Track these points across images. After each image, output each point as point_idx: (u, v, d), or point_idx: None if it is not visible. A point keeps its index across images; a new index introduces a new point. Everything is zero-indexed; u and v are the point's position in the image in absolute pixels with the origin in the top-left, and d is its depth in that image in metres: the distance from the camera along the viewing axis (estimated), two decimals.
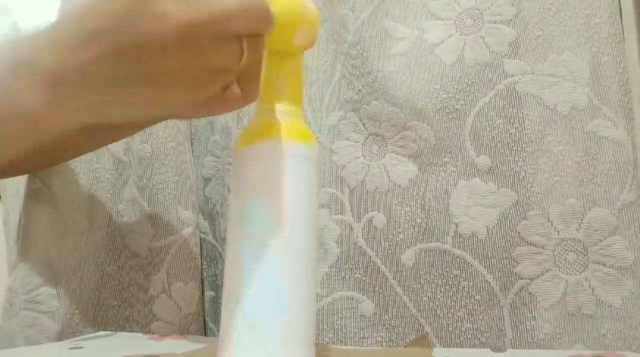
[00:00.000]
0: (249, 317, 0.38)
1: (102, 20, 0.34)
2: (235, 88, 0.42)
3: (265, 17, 0.37)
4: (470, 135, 0.62)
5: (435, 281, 0.60)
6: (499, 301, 0.58)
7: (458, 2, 0.66)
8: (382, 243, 0.62)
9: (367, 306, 0.61)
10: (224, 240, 0.69)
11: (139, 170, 0.69)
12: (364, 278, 0.62)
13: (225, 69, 0.37)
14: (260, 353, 0.37)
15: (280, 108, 0.42)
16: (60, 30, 0.36)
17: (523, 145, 0.60)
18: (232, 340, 0.38)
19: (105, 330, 0.66)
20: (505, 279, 0.58)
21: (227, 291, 0.39)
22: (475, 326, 0.58)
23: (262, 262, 0.38)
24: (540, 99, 0.61)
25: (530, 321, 0.57)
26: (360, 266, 0.62)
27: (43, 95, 0.36)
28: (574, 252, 0.57)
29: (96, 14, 0.34)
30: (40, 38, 0.37)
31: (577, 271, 0.57)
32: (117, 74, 0.35)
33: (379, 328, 0.61)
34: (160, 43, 0.33)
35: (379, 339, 0.61)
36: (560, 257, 0.58)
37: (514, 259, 0.59)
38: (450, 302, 0.59)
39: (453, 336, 0.59)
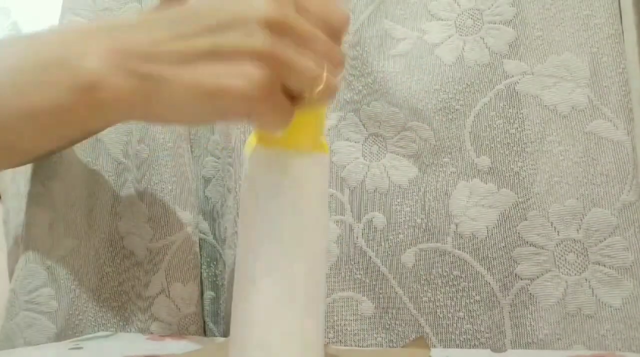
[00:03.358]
0: (261, 318, 0.38)
1: (187, 12, 0.35)
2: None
3: (342, 56, 0.38)
4: (470, 136, 0.62)
5: (435, 281, 0.60)
6: (499, 302, 0.58)
7: (458, 3, 0.66)
8: (382, 243, 0.62)
9: (367, 307, 0.61)
10: (224, 241, 0.69)
11: (138, 171, 0.69)
12: (364, 279, 0.62)
13: (298, 97, 0.36)
14: (271, 353, 0.37)
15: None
16: (143, 20, 0.36)
17: (523, 146, 0.60)
18: (243, 340, 0.38)
19: (104, 331, 0.66)
20: (505, 279, 0.58)
21: (238, 292, 0.39)
22: (475, 327, 0.58)
23: (277, 264, 0.38)
24: (540, 100, 0.61)
25: (530, 322, 0.57)
26: (360, 266, 0.62)
27: (110, 63, 0.34)
28: (574, 252, 0.57)
29: (182, 10, 0.35)
30: (118, 20, 0.38)
31: (577, 271, 0.57)
32: (193, 49, 0.34)
33: (379, 328, 0.61)
34: (245, 22, 0.33)
35: (379, 339, 0.60)
36: (560, 258, 0.58)
37: (514, 260, 0.59)
38: (450, 302, 0.59)
39: (453, 337, 0.59)
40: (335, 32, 0.37)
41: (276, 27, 0.33)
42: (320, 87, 0.35)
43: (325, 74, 0.35)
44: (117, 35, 0.35)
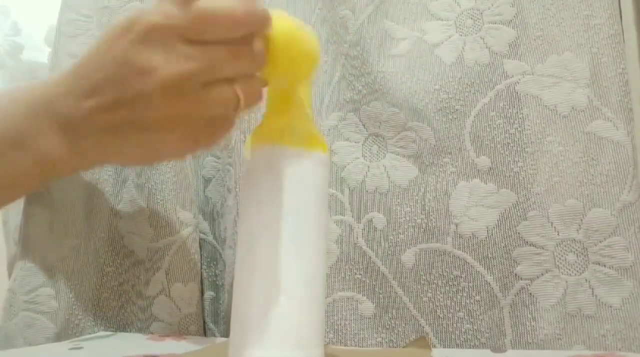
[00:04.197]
0: (261, 318, 0.38)
1: (98, 74, 0.36)
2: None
3: (258, 58, 0.37)
4: (470, 136, 0.62)
5: (435, 281, 0.60)
6: (499, 302, 0.58)
7: (458, 3, 0.66)
8: (382, 243, 0.62)
9: (367, 307, 0.61)
10: (224, 240, 0.69)
11: (138, 170, 0.69)
12: (364, 279, 0.62)
13: (221, 118, 0.38)
14: (272, 352, 0.37)
15: (295, 110, 0.42)
16: (69, 80, 0.38)
17: (523, 146, 0.60)
18: (244, 340, 0.38)
19: (104, 330, 0.66)
20: (505, 279, 0.58)
21: (238, 292, 0.39)
22: (475, 327, 0.58)
23: (276, 264, 0.38)
24: (540, 100, 0.61)
25: (531, 322, 0.57)
26: (360, 266, 0.62)
27: (59, 139, 0.38)
28: (574, 252, 0.57)
29: (94, 68, 0.37)
30: (52, 86, 0.39)
31: (577, 271, 0.57)
32: (116, 122, 0.36)
33: (379, 328, 0.61)
34: (148, 96, 0.35)
35: (379, 339, 0.60)
36: (560, 258, 0.58)
37: (514, 260, 0.59)
38: (451, 302, 0.59)
39: (453, 337, 0.59)
40: (244, 30, 0.36)
41: (176, 87, 0.34)
42: (240, 104, 0.36)
43: (239, 93, 0.36)
44: (55, 109, 0.38)
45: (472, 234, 0.60)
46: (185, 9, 0.34)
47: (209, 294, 0.69)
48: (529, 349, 0.57)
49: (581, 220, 0.58)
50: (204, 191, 0.73)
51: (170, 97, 0.35)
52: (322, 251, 0.41)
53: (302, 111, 0.42)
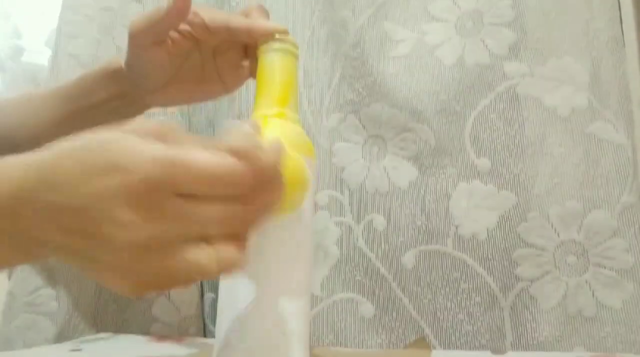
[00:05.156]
0: (245, 321, 0.38)
1: (68, 201, 0.30)
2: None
3: (253, 220, 0.32)
4: (470, 138, 0.62)
5: (436, 283, 0.60)
6: (499, 303, 0.58)
7: (458, 5, 0.66)
8: (382, 245, 0.62)
9: (367, 308, 0.61)
10: None
11: None
12: (364, 280, 0.62)
13: (181, 281, 0.32)
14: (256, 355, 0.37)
15: (278, 111, 0.42)
16: (36, 190, 0.31)
17: (523, 148, 0.60)
18: (228, 343, 0.38)
19: (104, 332, 0.66)
20: (505, 281, 0.58)
21: (224, 295, 0.39)
22: (475, 328, 0.58)
23: (260, 267, 0.38)
24: (540, 102, 0.61)
25: (531, 323, 0.57)
26: (361, 267, 0.62)
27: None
28: (574, 254, 0.57)
29: (65, 193, 0.30)
30: (17, 189, 0.32)
31: (578, 273, 0.57)
32: (68, 246, 0.31)
33: (379, 330, 0.61)
34: (112, 244, 0.29)
35: (379, 341, 0.60)
36: (560, 260, 0.58)
37: (514, 261, 0.59)
38: (451, 304, 0.59)
39: (453, 338, 0.59)
40: (246, 190, 0.30)
41: (146, 245, 0.30)
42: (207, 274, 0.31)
43: (210, 262, 0.30)
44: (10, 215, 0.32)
45: (473, 235, 0.60)
46: (180, 163, 0.29)
47: (208, 295, 0.69)
48: (529, 350, 0.57)
49: (581, 222, 0.58)
50: None
51: (136, 253, 0.30)
52: (309, 252, 0.41)
53: (294, 115, 0.42)
